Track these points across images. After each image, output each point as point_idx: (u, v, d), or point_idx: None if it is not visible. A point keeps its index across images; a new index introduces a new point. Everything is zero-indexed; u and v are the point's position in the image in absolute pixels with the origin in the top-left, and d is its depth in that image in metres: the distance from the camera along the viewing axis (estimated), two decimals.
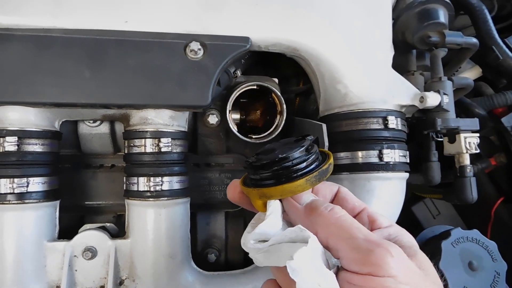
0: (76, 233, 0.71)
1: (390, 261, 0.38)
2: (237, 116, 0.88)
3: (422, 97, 0.77)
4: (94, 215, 0.84)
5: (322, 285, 0.39)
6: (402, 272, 0.39)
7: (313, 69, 0.78)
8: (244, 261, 0.87)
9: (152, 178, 0.68)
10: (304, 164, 0.47)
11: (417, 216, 1.01)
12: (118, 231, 0.77)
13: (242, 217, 0.90)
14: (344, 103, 0.76)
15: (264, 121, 0.93)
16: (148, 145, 0.68)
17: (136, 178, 0.69)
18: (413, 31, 0.82)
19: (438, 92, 0.77)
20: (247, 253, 0.49)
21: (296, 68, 0.96)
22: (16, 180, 0.64)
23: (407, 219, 1.01)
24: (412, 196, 1.01)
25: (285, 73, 1.01)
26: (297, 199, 0.48)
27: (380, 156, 0.74)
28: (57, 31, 0.66)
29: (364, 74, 0.76)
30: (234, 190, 0.54)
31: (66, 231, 0.73)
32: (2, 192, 0.64)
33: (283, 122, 0.81)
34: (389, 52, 0.79)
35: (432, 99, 0.76)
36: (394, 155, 0.75)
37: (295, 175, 0.46)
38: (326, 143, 0.72)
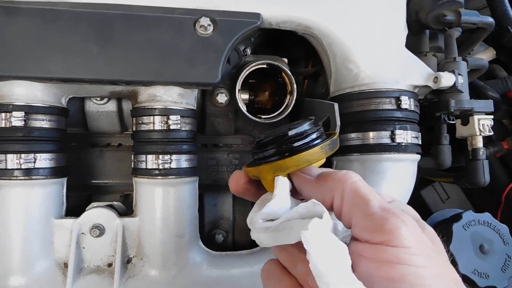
0: (83, 212, 0.70)
1: (405, 231, 0.37)
2: (246, 96, 0.86)
3: (436, 77, 0.75)
4: (101, 194, 0.83)
5: (334, 256, 0.38)
6: (415, 244, 0.37)
7: (325, 48, 0.76)
8: (251, 242, 0.86)
9: (160, 156, 0.67)
10: (315, 135, 0.47)
11: (426, 200, 1.00)
12: (126, 210, 0.76)
13: None
14: (356, 83, 0.75)
15: (273, 103, 0.91)
16: (156, 122, 0.67)
17: (144, 156, 0.68)
18: (428, 10, 0.79)
19: (453, 72, 0.75)
20: None
21: (305, 49, 0.94)
22: (23, 155, 0.63)
23: (416, 203, 0.99)
24: (421, 179, 0.99)
25: (293, 54, 1.00)
26: (308, 172, 0.47)
27: (392, 137, 0.73)
28: (63, 5, 0.64)
29: (377, 54, 0.74)
30: (237, 181, 0.51)
31: (74, 210, 0.72)
32: (9, 167, 0.63)
33: (294, 101, 0.79)
34: (403, 31, 0.77)
35: (447, 79, 0.74)
36: (407, 136, 0.74)
37: (310, 144, 0.46)
38: (338, 123, 0.70)
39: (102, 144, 0.81)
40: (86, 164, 0.80)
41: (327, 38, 0.74)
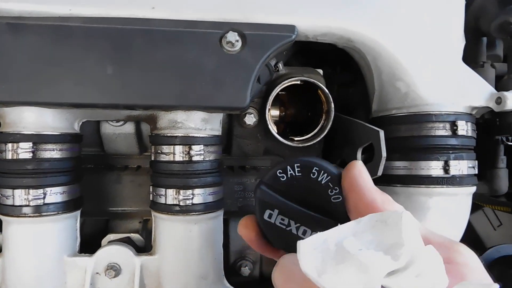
0: (100, 239, 0.64)
1: None
2: (276, 113, 0.78)
3: (499, 98, 0.64)
4: (119, 219, 0.77)
5: None
6: None
7: (369, 63, 0.66)
8: None
9: (181, 191, 0.59)
10: None
11: (475, 227, 0.89)
12: (145, 242, 0.70)
13: None
14: (404, 104, 0.65)
15: (306, 117, 0.83)
16: (177, 153, 0.60)
17: (164, 189, 0.61)
18: (491, 17, 0.68)
19: None
20: None
21: (341, 56, 0.84)
22: (31, 191, 0.57)
23: (464, 230, 0.90)
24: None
25: (328, 61, 0.90)
26: None
27: (446, 168, 0.63)
28: (75, 20, 0.57)
29: (430, 70, 0.64)
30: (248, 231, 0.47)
31: (91, 237, 0.66)
32: (17, 204, 0.57)
33: (330, 124, 0.70)
34: (460, 43, 0.67)
35: None
36: (462, 166, 0.64)
37: None
38: (384, 154, 0.61)
39: (120, 166, 0.75)
40: (103, 189, 0.73)
41: (372, 52, 0.64)
